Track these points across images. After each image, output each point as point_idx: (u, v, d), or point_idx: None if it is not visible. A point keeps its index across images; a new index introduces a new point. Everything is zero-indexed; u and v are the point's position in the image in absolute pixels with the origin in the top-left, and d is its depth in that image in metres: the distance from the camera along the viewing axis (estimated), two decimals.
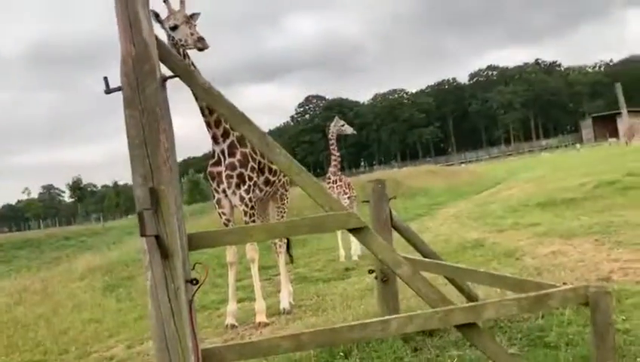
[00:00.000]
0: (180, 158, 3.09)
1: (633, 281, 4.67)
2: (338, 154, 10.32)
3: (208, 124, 5.40)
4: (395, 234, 4.42)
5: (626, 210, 9.29)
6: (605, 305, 2.83)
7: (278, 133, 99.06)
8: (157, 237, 2.46)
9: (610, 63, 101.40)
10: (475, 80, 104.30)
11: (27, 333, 6.72)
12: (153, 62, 2.55)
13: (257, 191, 5.89)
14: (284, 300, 6.26)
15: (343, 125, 10.42)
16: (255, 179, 5.71)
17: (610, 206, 10.10)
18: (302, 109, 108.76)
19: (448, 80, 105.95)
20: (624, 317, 3.72)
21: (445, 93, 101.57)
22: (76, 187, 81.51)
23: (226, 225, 5.69)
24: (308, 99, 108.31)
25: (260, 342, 2.71)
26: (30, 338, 6.50)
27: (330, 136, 10.28)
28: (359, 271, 7.97)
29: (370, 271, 4.36)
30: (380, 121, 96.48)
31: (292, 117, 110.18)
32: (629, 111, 28.74)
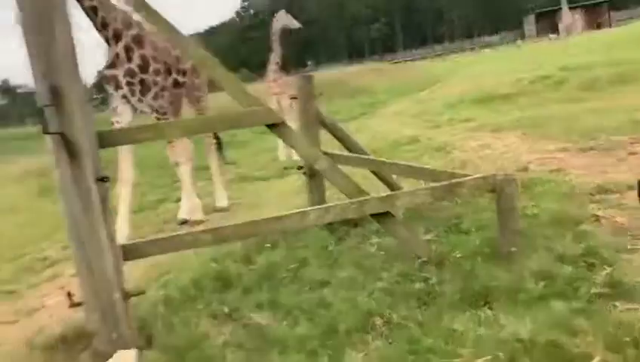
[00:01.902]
0: None
1: (547, 171, 4.96)
2: (281, 50, 10.01)
3: (96, 27, 4.84)
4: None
5: (555, 104, 9.65)
6: (510, 192, 3.02)
7: (221, 30, 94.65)
8: (62, 134, 2.37)
9: None
10: None
11: None
12: None
13: (167, 95, 5.48)
14: (221, 200, 6.33)
15: (288, 19, 10.02)
16: (162, 82, 5.28)
17: (543, 101, 10.45)
18: (246, 3, 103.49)
19: None
20: (533, 203, 3.98)
21: None
22: (5, 89, 76.47)
23: None
24: None
25: (181, 236, 2.76)
26: None
27: (273, 30, 9.90)
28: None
29: (299, 168, 4.43)
30: (326, 16, 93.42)
31: (237, 12, 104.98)
32: (569, 8, 29.02)
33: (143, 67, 5.05)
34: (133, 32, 4.99)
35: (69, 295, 2.56)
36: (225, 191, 6.59)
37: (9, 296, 4.38)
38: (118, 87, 5.09)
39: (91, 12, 4.70)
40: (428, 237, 3.61)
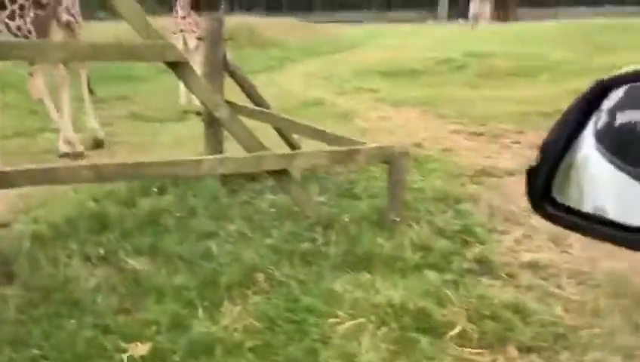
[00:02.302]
0: None
1: (439, 149, 5.20)
2: None
3: None
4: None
5: (455, 87, 10.12)
6: (402, 164, 3.11)
7: None
8: None
9: None
10: None
11: None
12: None
13: (29, 16, 4.79)
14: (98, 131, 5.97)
15: None
16: (22, 1, 4.59)
17: (444, 82, 10.90)
18: None
19: None
20: (422, 178, 4.16)
21: None
22: None
23: None
24: None
25: (58, 169, 2.54)
26: None
27: None
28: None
29: (198, 114, 4.25)
30: None
31: None
32: None
33: None
34: None
35: None
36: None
37: None
38: None
39: None
40: (321, 199, 3.65)
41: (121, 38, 9.98)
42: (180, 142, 5.84)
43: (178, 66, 2.70)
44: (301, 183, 3.59)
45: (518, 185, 4.00)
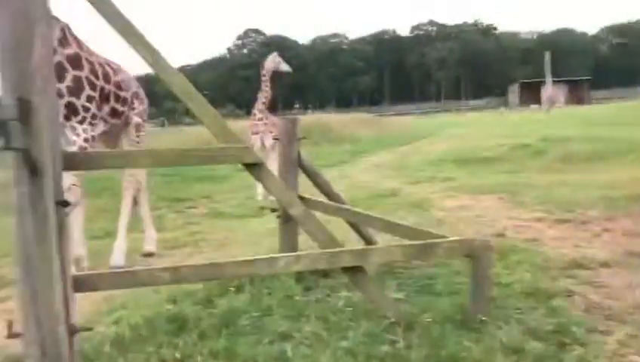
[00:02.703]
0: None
1: (523, 239, 4.93)
2: (269, 91, 10.05)
3: None
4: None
5: (533, 173, 9.79)
6: (486, 259, 2.94)
7: (212, 65, 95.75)
8: (25, 151, 2.24)
9: (543, 32, 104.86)
10: (415, 33, 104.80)
11: None
12: None
13: (102, 124, 5.02)
14: (117, 254, 5.54)
15: (280, 62, 10.11)
16: (94, 111, 4.75)
17: (521, 168, 10.61)
18: (240, 42, 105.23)
19: (389, 30, 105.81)
20: (508, 272, 3.91)
21: (385, 43, 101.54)
22: None
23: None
24: (246, 33, 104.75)
25: (137, 272, 2.60)
26: None
27: (264, 71, 9.95)
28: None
29: (274, 210, 4.32)
30: (319, 64, 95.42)
31: (229, 49, 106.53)
32: (553, 81, 30.03)
33: (73, 90, 4.51)
34: (69, 50, 4.49)
35: (10, 324, 2.35)
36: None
37: None
38: None
39: None
40: (398, 296, 3.50)
41: (206, 140, 10.59)
42: (257, 238, 5.93)
43: (255, 167, 2.78)
44: (377, 279, 3.47)
45: (617, 278, 3.67)
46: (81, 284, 2.47)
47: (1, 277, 5.11)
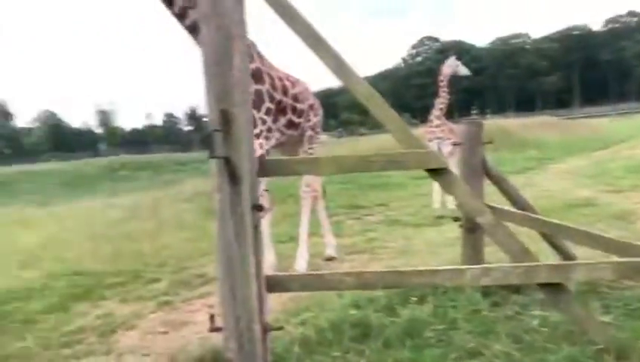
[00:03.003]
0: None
1: None
2: (447, 96, 9.79)
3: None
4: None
5: None
6: None
7: (387, 76, 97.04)
8: (226, 159, 2.43)
9: None
10: (609, 27, 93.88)
11: (133, 245, 7.29)
12: None
13: (277, 136, 5.11)
14: (300, 260, 5.63)
15: (457, 65, 9.82)
16: (270, 123, 4.86)
17: None
18: (414, 51, 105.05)
19: (578, 26, 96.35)
20: None
21: (573, 40, 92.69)
22: (192, 116, 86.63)
23: None
24: (421, 41, 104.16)
25: (324, 275, 2.65)
26: (135, 250, 7.03)
27: (442, 76, 9.74)
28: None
29: (456, 219, 4.13)
30: (498, 66, 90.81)
31: (403, 58, 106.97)
32: None
33: (255, 103, 4.63)
34: (252, 65, 4.62)
35: (212, 318, 2.56)
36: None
37: (164, 307, 4.66)
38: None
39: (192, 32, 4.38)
40: (605, 319, 3.06)
41: (382, 148, 10.70)
42: (435, 248, 5.75)
43: (439, 172, 2.66)
44: (579, 299, 3.08)
45: None
46: (274, 285, 2.60)
47: (204, 275, 5.70)
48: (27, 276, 5.78)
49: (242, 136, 2.44)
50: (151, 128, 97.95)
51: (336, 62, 2.56)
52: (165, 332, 3.93)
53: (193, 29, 4.27)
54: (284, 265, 5.69)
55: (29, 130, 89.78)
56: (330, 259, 5.89)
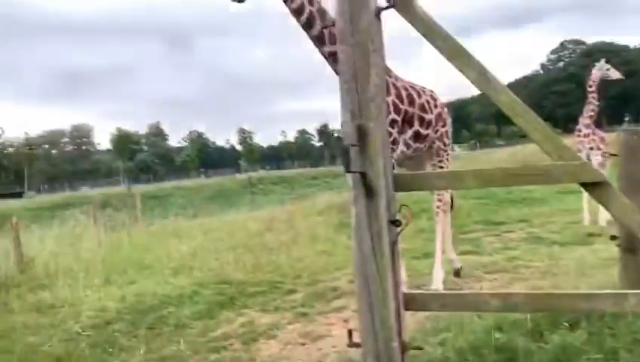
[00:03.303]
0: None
1: None
2: (597, 103, 8.99)
3: (337, 73, 4.60)
4: None
5: None
6: None
7: (524, 84, 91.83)
8: (362, 174, 2.42)
9: None
10: None
11: (270, 256, 7.63)
12: None
13: (403, 148, 4.93)
14: (437, 277, 5.40)
15: (608, 69, 9.00)
16: (395, 135, 4.69)
17: None
18: (554, 56, 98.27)
19: None
20: None
21: None
22: (323, 132, 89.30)
23: None
24: (563, 45, 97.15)
25: (467, 295, 2.52)
26: (272, 261, 7.36)
27: (590, 81, 8.98)
28: (606, 238, 6.98)
29: (613, 238, 3.72)
30: None
31: (542, 64, 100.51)
32: None
33: None
34: None
35: (350, 333, 2.56)
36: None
37: (301, 318, 4.78)
38: None
39: (330, 58, 4.37)
40: None
41: (519, 160, 10.08)
42: (586, 269, 5.25)
43: (595, 186, 2.40)
44: None
45: None
46: (412, 302, 2.52)
47: (338, 288, 5.77)
48: (179, 283, 6.30)
49: (378, 150, 2.43)
50: (285, 144, 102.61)
51: (477, 72, 2.45)
52: (304, 344, 4.03)
53: (320, 40, 4.33)
54: (419, 281, 5.57)
55: (180, 148, 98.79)
56: (457, 272, 5.66)
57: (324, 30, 4.27)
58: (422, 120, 5.07)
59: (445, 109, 5.67)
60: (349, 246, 8.53)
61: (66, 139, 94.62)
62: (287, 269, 6.82)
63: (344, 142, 2.47)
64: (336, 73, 4.38)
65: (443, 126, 5.50)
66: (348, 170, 2.40)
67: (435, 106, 5.34)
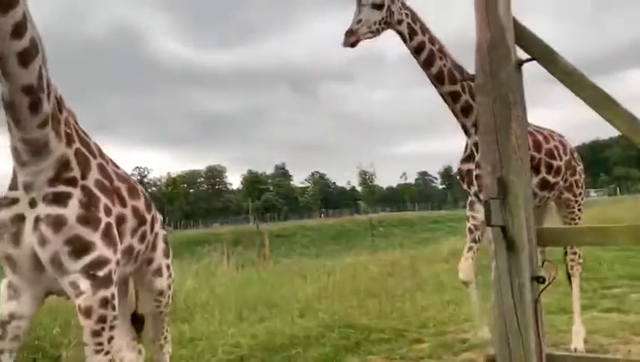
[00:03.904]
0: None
1: None
2: None
3: (455, 113, 4.33)
4: None
5: None
6: None
7: None
8: (503, 227, 2.38)
9: None
10: None
11: (395, 303, 7.55)
12: (508, 45, 2.45)
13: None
14: (577, 337, 4.97)
15: None
16: None
17: None
18: None
19: None
20: None
21: None
22: (447, 174, 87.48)
23: (471, 232, 4.68)
24: None
25: (613, 360, 2.32)
26: (397, 308, 7.28)
27: None
28: None
29: None
30: None
31: None
32: None
33: None
34: None
35: None
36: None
37: None
38: (470, 183, 4.49)
39: (449, 97, 4.28)
40: None
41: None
42: None
43: None
44: None
45: None
46: None
47: (466, 340, 5.54)
48: (306, 324, 6.45)
49: (520, 204, 2.38)
50: (406, 186, 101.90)
51: (628, 123, 2.32)
52: None
53: (439, 80, 4.26)
54: (556, 339, 5.19)
55: (303, 188, 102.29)
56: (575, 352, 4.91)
57: (444, 69, 4.21)
58: (550, 167, 4.72)
59: (577, 155, 5.26)
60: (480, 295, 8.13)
61: (202, 179, 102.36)
62: (413, 317, 6.70)
63: (483, 195, 2.45)
64: (454, 113, 4.40)
65: (572, 175, 5.08)
66: (489, 224, 2.37)
67: (565, 153, 4.96)
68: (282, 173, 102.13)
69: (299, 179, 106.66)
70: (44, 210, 2.54)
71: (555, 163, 4.77)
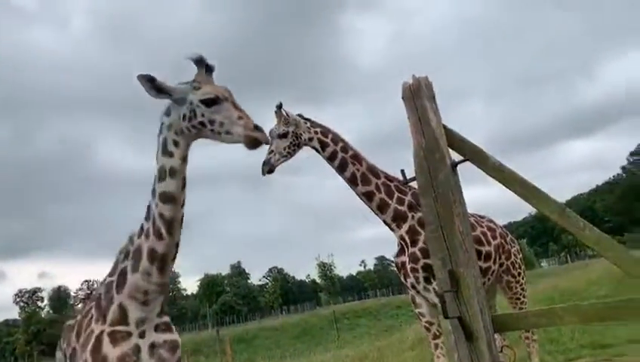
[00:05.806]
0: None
1: None
2: None
3: (373, 211, 4.64)
4: None
5: None
6: None
7: (608, 189, 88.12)
8: (459, 318, 2.52)
9: None
10: None
11: None
12: (442, 151, 2.73)
13: None
14: None
15: None
16: None
17: None
18: (637, 158, 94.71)
19: None
20: None
21: None
22: None
23: (428, 329, 4.60)
24: None
25: None
26: None
27: None
28: None
29: None
30: None
31: (623, 167, 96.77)
32: None
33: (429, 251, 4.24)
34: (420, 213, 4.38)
35: None
36: None
37: None
38: (406, 275, 4.49)
39: (364, 197, 4.57)
40: None
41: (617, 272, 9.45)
42: None
43: None
44: None
45: None
46: None
47: None
48: None
49: (472, 294, 2.54)
50: (366, 274, 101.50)
51: (557, 212, 2.58)
52: None
53: (352, 182, 4.60)
54: None
55: (262, 286, 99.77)
56: None
57: (357, 173, 4.59)
58: (479, 253, 4.68)
59: (510, 237, 5.37)
60: None
61: None
62: None
63: (437, 288, 2.61)
64: (372, 211, 4.63)
65: (508, 258, 5.19)
66: (446, 316, 2.51)
67: (494, 237, 5.04)
68: (238, 272, 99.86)
69: (256, 276, 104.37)
70: (159, 337, 2.87)
71: (484, 249, 4.82)
